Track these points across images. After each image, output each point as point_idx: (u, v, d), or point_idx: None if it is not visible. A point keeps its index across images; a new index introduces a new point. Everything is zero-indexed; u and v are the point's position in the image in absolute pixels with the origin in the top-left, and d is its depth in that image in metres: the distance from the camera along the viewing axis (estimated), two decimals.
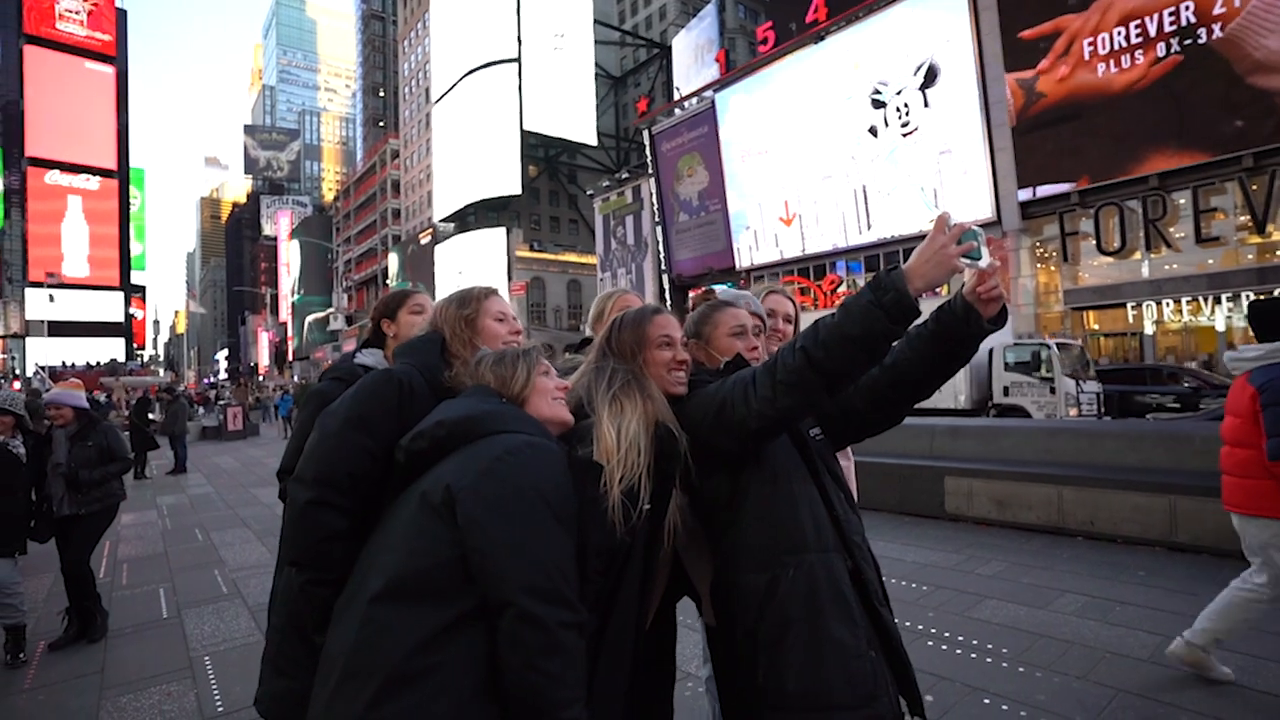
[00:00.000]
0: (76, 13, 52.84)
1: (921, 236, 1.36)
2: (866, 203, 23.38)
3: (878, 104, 22.81)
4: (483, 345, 1.66)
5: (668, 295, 31.57)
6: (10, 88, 62.35)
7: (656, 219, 32.57)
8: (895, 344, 1.45)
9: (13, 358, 50.02)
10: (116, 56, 54.91)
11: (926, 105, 21.52)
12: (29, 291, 46.96)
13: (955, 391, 14.09)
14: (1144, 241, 17.89)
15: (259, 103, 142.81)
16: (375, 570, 1.23)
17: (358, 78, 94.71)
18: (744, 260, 28.07)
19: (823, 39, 24.81)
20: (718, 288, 2.14)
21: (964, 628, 3.85)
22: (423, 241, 54.08)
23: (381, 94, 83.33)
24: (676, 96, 34.82)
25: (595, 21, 48.55)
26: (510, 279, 44.45)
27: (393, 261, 58.97)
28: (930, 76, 21.29)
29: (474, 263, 45.36)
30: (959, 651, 3.54)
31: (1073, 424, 6.93)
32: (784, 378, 1.36)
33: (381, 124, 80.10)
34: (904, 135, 22.15)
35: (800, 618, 1.39)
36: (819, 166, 24.96)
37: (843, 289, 24.34)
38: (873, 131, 23.08)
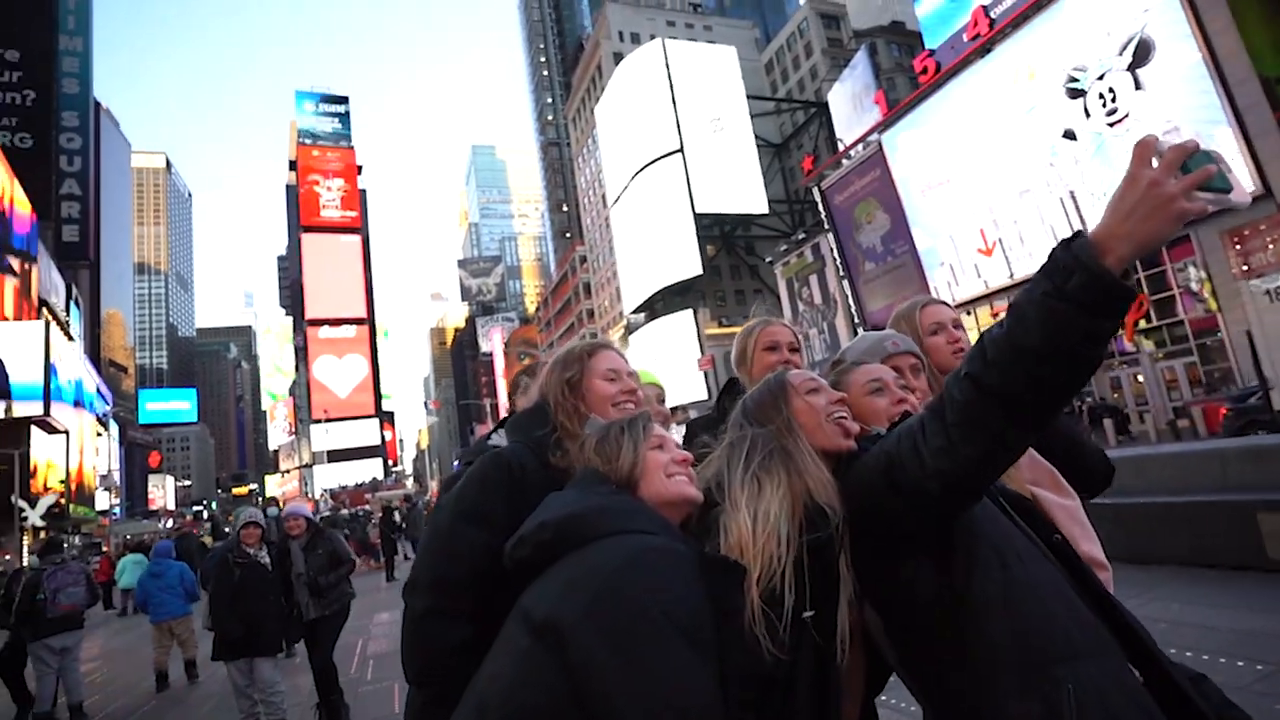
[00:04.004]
0: (333, 201, 65.44)
1: None
2: (1078, 209, 20.56)
3: (1075, 93, 20.28)
4: (591, 413, 1.43)
5: None
6: (295, 270, 78.30)
7: (841, 273, 31.50)
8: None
9: (306, 484, 60.08)
10: (361, 228, 66.77)
11: (1139, 86, 18.74)
12: (313, 428, 56.90)
13: None
14: None
15: (467, 238, 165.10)
16: (482, 698, 1.04)
17: (543, 199, 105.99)
18: (944, 298, 25.86)
19: (989, 50, 23.06)
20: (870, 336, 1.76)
21: None
22: (615, 335, 57.21)
23: (565, 208, 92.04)
24: (841, 149, 34.16)
25: (749, 97, 49.88)
26: (702, 357, 45.14)
27: None
28: (1142, 53, 18.58)
29: (667, 347, 46.80)
30: None
31: None
32: (956, 418, 1.00)
33: (568, 235, 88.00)
34: (1111, 125, 19.40)
35: None
36: (1013, 183, 22.64)
37: None
38: (1070, 135, 20.54)
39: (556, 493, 1.22)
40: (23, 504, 27.38)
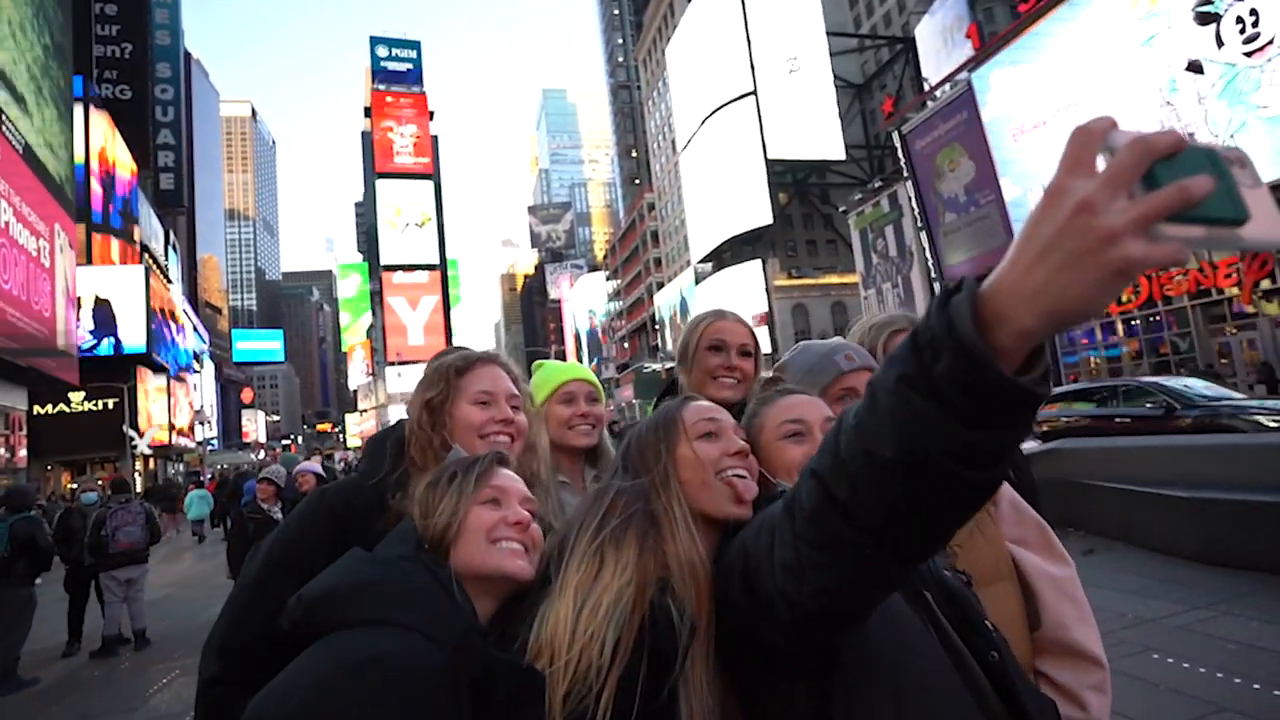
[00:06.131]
0: (406, 147, 66.36)
1: None
2: None
3: (1206, 18, 17.89)
4: (455, 444, 1.15)
5: None
6: (371, 215, 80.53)
7: (920, 224, 29.75)
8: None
9: (385, 424, 63.06)
10: (433, 174, 67.62)
11: None
12: (388, 370, 59.39)
13: None
14: None
15: (537, 184, 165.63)
16: None
17: (613, 144, 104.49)
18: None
19: None
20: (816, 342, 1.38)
21: None
22: (682, 286, 56.53)
23: (634, 154, 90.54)
24: (926, 88, 31.83)
25: (829, 33, 46.97)
26: (771, 310, 44.07)
27: (667, 302, 61.89)
28: None
29: (734, 299, 45.90)
30: None
31: None
32: (805, 530, 0.69)
33: (637, 181, 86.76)
34: (1249, 54, 17.06)
35: None
36: (1122, 123, 20.50)
37: (1182, 277, 19.26)
38: (1195, 68, 18.24)
39: (355, 550, 0.96)
40: (132, 433, 29.68)
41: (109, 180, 34.11)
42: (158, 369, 36.20)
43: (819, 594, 0.69)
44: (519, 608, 0.95)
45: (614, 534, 0.91)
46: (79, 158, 28.23)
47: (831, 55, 46.85)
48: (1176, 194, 0.46)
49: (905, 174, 30.31)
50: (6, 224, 18.80)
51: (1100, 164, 0.51)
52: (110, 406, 29.21)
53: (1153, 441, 7.06)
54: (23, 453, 23.20)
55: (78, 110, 27.65)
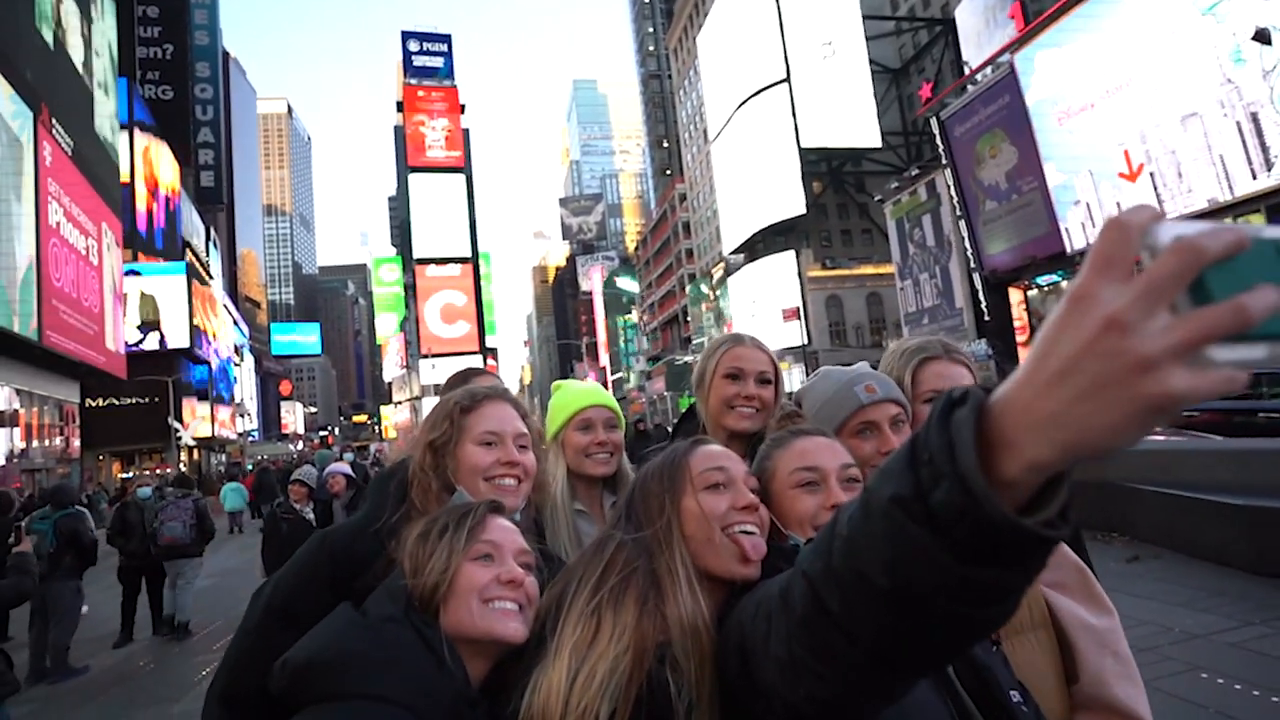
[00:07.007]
0: (438, 141, 66.91)
1: None
2: (1260, 134, 17.54)
3: None
4: (459, 487, 1.11)
5: (983, 298, 27.58)
6: (403, 210, 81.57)
7: (958, 213, 29.00)
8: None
9: (417, 415, 64.04)
10: (465, 167, 68.11)
11: None
12: (422, 363, 60.26)
13: None
14: None
15: (568, 176, 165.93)
16: None
17: (644, 135, 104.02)
18: (1076, 242, 23.26)
19: None
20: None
21: None
22: (715, 276, 56.13)
23: (665, 144, 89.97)
24: (966, 72, 30.95)
25: (865, 17, 45.92)
26: (804, 302, 43.50)
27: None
28: None
29: (766, 290, 45.46)
30: None
31: None
32: (797, 629, 0.62)
33: (668, 172, 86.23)
34: None
35: None
36: (1174, 105, 19.61)
37: None
38: (1263, 38, 17.25)
39: (345, 608, 0.92)
40: (176, 425, 30.65)
41: (153, 203, 35.39)
42: (201, 395, 37.32)
43: (812, 701, 0.62)
44: (514, 668, 0.91)
45: (613, 593, 0.86)
46: (124, 178, 29.24)
47: (867, 39, 45.80)
48: (1231, 315, 0.35)
49: (944, 161, 29.57)
50: (58, 224, 19.46)
51: (1140, 262, 0.39)
52: (156, 400, 30.19)
53: (1204, 444, 6.74)
54: (76, 443, 24.15)
55: (123, 136, 28.65)
